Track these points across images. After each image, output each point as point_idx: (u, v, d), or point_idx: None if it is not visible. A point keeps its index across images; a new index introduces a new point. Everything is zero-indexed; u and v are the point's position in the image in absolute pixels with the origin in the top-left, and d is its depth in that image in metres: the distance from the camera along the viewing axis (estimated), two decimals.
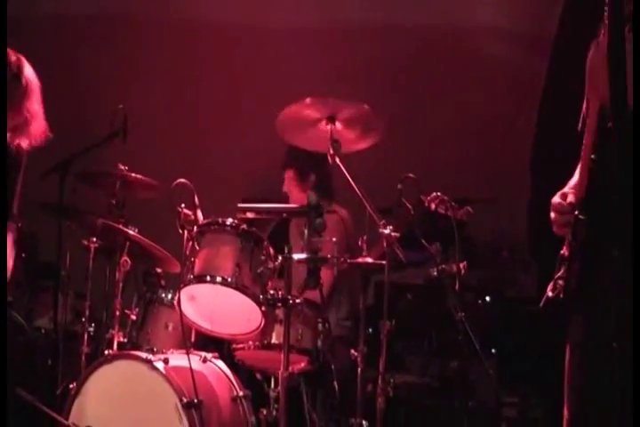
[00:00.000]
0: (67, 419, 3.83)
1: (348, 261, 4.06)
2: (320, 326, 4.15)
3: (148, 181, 4.50)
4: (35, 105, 3.62)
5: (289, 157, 5.06)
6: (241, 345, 4.14)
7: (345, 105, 4.09)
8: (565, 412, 2.76)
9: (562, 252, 2.78)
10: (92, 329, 4.49)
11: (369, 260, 4.07)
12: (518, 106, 6.47)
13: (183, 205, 4.07)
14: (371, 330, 4.11)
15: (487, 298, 5.33)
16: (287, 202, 5.02)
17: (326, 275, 4.12)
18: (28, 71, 3.62)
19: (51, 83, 6.34)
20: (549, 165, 5.56)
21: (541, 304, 2.86)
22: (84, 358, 4.31)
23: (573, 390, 2.71)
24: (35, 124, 3.62)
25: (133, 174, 4.45)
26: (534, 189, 6.11)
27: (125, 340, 4.26)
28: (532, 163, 6.41)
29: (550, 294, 2.79)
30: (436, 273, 3.98)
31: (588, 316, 2.69)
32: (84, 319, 4.46)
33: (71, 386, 3.95)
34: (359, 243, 4.15)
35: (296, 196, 5.04)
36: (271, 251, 4.06)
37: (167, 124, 6.63)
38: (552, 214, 2.82)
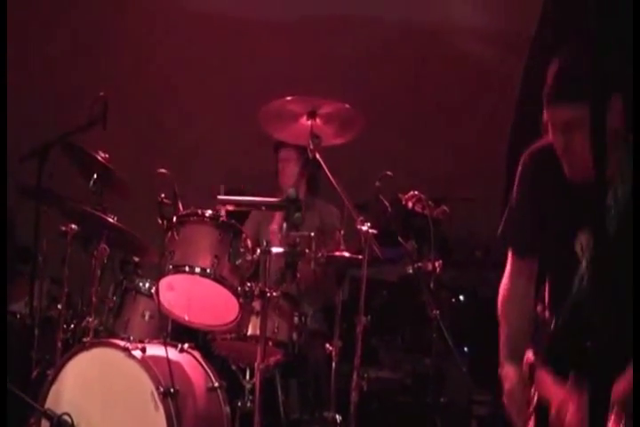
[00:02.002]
0: (43, 405, 3.84)
1: (326, 254, 4.11)
2: (296, 319, 4.21)
3: (124, 178, 4.49)
4: None
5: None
6: (217, 336, 4.19)
7: (325, 101, 4.13)
8: None
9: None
10: (68, 316, 4.49)
11: (346, 254, 4.12)
12: (495, 105, 6.53)
13: (163, 195, 4.10)
14: (346, 325, 4.15)
15: (461, 297, 5.40)
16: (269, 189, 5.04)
17: (304, 269, 4.16)
18: None
19: (31, 68, 6.35)
20: None
21: None
22: (60, 344, 4.31)
23: None
24: None
25: (112, 169, 4.44)
26: (509, 190, 6.20)
27: (102, 327, 4.28)
28: (508, 163, 6.49)
29: None
30: (411, 270, 4.05)
31: None
32: (60, 306, 4.46)
33: (48, 372, 3.97)
34: (336, 237, 4.20)
35: (290, 176, 5.00)
36: (249, 243, 4.10)
37: (149, 114, 6.63)
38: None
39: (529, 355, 2.65)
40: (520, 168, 2.76)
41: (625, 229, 2.13)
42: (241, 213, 4.82)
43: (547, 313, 2.71)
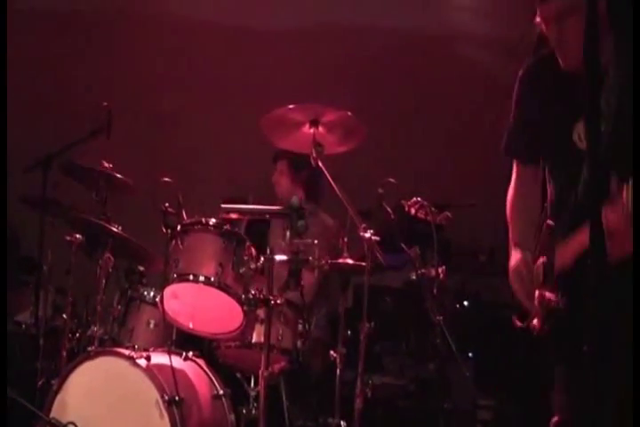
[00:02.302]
0: (48, 414, 3.85)
1: (329, 261, 4.12)
2: (300, 326, 4.21)
3: (129, 182, 4.52)
4: None
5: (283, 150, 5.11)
6: (221, 344, 4.20)
7: (327, 109, 4.14)
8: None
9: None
10: (73, 325, 4.51)
11: (349, 261, 4.13)
12: (498, 111, 6.53)
13: (167, 204, 4.12)
14: (350, 332, 4.16)
15: (465, 302, 5.40)
16: (272, 197, 5.07)
17: (308, 277, 4.17)
18: None
19: (36, 79, 6.38)
20: None
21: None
22: (65, 353, 4.31)
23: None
24: None
25: (117, 175, 4.47)
26: None
27: (106, 337, 4.29)
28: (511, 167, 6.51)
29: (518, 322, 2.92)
30: (414, 277, 4.06)
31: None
32: (65, 315, 4.47)
33: (53, 382, 3.98)
34: (340, 245, 4.22)
35: (285, 188, 5.08)
36: (253, 251, 4.12)
37: (151, 123, 6.65)
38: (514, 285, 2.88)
39: (541, 260, 2.77)
40: (517, 83, 2.93)
41: (625, 107, 2.34)
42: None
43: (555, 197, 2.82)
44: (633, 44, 2.38)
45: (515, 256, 2.89)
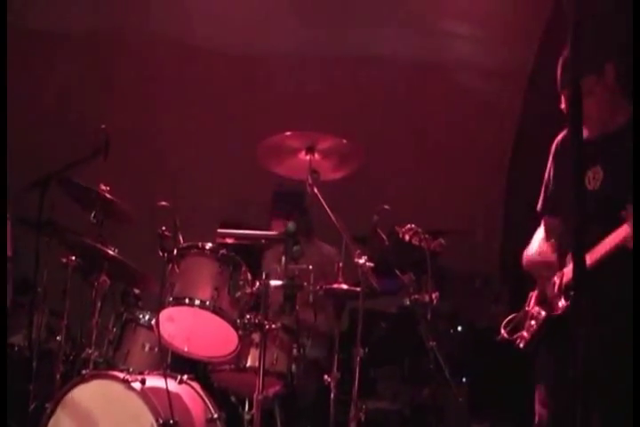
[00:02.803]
0: None
1: (324, 287, 4.15)
2: (295, 350, 4.23)
3: (126, 208, 4.54)
4: None
5: (276, 206, 5.17)
6: (217, 367, 4.21)
7: (323, 136, 4.18)
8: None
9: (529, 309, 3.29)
10: (67, 348, 4.50)
11: (344, 286, 4.16)
12: (492, 138, 6.60)
13: (164, 228, 4.14)
14: (344, 356, 4.17)
15: (459, 327, 5.43)
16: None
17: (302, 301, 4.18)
18: None
19: (33, 100, 6.40)
20: (522, 195, 5.73)
21: (498, 338, 3.32)
22: (59, 376, 4.30)
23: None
24: None
25: (114, 200, 4.48)
26: (507, 222, 6.28)
27: (101, 359, 4.30)
28: (507, 195, 6.58)
29: (505, 333, 3.31)
30: (408, 302, 4.08)
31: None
32: (59, 338, 4.46)
33: (47, 405, 3.97)
34: (335, 270, 4.25)
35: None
36: (249, 276, 4.15)
37: (148, 147, 6.68)
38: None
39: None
40: (552, 151, 3.44)
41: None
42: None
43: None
44: (633, 47, 2.90)
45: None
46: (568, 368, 2.74)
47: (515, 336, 3.33)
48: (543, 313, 3.23)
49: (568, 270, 3.13)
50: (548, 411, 3.25)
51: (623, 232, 2.95)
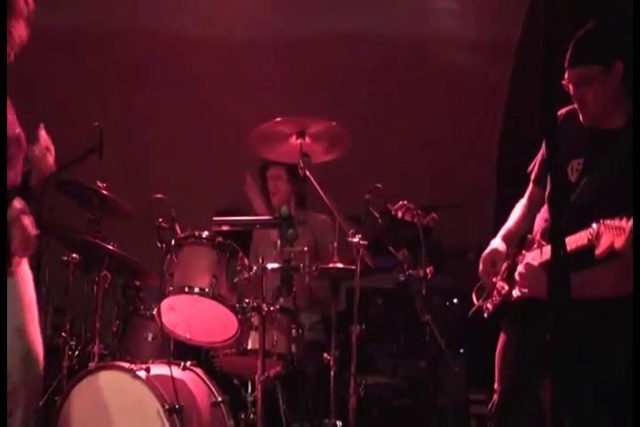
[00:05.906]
0: None
1: (320, 267, 4.21)
2: (294, 331, 4.31)
3: (124, 205, 4.59)
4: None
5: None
6: (219, 352, 4.29)
7: (313, 121, 4.23)
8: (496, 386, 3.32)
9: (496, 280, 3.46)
10: (72, 343, 4.57)
11: (339, 265, 4.21)
12: (483, 114, 6.61)
13: (161, 220, 4.21)
14: (342, 334, 4.24)
15: (455, 300, 5.48)
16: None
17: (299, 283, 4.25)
18: None
19: (26, 98, 6.41)
20: (514, 169, 5.75)
21: (470, 313, 3.54)
22: (65, 371, 4.37)
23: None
24: None
25: (112, 196, 4.53)
26: (499, 193, 6.31)
27: (106, 352, 4.37)
28: (497, 168, 6.60)
29: (475, 299, 3.53)
30: (403, 278, 4.13)
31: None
32: (64, 334, 4.53)
33: (56, 398, 4.05)
34: (330, 249, 4.30)
35: (284, 194, 5.17)
36: (246, 261, 4.22)
37: (142, 140, 6.71)
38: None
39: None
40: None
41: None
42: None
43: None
44: (633, 48, 2.93)
45: (493, 243, 3.47)
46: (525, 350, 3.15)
47: (482, 304, 3.42)
48: (506, 288, 3.31)
49: (547, 249, 3.10)
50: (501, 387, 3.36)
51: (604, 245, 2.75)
